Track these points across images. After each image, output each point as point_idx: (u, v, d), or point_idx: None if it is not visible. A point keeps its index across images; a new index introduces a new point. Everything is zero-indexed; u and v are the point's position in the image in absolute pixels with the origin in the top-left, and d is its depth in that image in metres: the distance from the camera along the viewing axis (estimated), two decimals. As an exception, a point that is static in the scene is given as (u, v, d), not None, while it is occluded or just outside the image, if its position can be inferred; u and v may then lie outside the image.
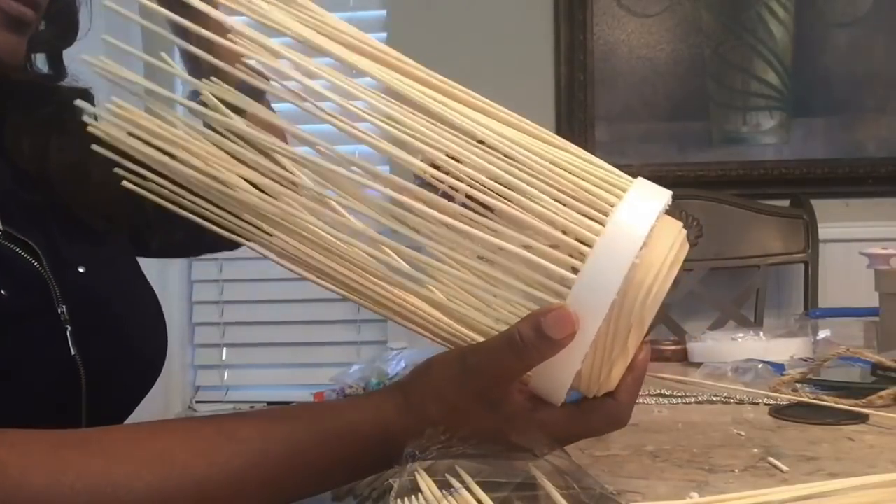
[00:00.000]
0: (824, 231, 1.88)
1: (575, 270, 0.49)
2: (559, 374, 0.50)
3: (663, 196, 0.51)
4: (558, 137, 0.54)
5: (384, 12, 2.09)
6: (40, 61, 0.76)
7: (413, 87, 0.53)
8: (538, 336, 0.48)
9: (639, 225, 0.49)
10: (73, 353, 0.65)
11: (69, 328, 0.65)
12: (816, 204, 1.89)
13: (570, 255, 0.49)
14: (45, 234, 0.68)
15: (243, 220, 0.55)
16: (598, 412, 0.53)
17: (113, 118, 0.53)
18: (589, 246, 0.48)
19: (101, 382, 0.67)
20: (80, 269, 0.69)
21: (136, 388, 0.75)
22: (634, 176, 0.52)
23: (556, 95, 2.03)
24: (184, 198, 0.55)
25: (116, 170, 0.55)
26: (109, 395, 0.68)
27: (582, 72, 2.01)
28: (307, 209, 0.54)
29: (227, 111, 0.55)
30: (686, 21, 2.00)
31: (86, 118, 0.54)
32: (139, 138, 0.53)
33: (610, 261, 0.48)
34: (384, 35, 2.07)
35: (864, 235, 1.76)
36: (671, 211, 0.52)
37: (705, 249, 1.86)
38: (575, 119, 2.00)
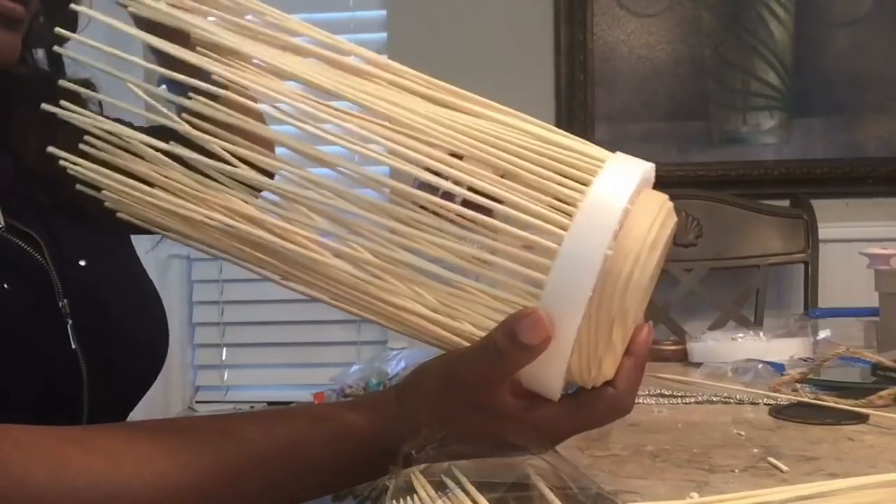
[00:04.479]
0: (824, 231, 1.87)
1: (548, 271, 0.46)
2: (547, 375, 0.48)
3: (639, 171, 0.48)
4: (515, 113, 0.51)
5: (384, 12, 2.09)
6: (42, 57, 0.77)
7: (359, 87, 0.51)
8: (513, 343, 0.46)
9: (609, 213, 0.45)
10: (73, 346, 0.65)
11: (70, 322, 0.66)
12: (816, 204, 1.88)
13: (543, 256, 0.46)
14: (47, 227, 0.68)
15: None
16: (597, 403, 0.51)
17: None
18: (557, 244, 0.46)
19: (102, 375, 0.67)
20: (82, 263, 0.70)
21: (138, 381, 0.75)
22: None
23: (556, 95, 2.03)
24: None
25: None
26: (111, 387, 0.69)
27: (582, 72, 2.01)
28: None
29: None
30: (686, 21, 2.00)
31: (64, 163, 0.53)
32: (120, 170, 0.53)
33: (580, 257, 0.45)
34: (384, 35, 2.07)
35: (864, 235, 1.76)
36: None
37: (705, 249, 1.85)
38: (575, 119, 2.00)
